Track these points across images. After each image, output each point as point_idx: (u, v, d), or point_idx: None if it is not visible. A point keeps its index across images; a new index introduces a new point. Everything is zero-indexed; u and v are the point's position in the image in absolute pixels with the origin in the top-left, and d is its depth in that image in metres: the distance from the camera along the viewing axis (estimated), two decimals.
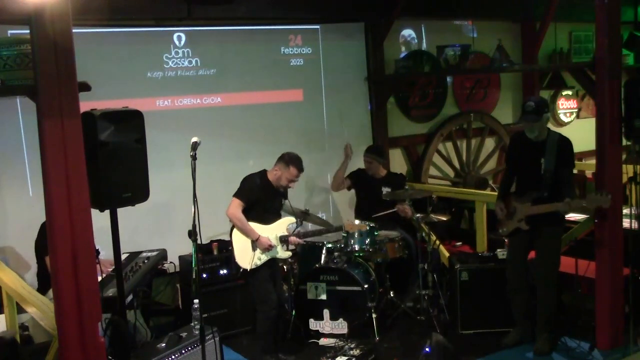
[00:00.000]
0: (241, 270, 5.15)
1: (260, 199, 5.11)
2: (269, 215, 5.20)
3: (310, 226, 6.13)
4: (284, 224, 5.28)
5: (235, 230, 5.14)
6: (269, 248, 5.09)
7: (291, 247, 5.43)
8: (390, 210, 6.26)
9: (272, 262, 5.27)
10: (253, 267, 5.08)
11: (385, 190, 6.39)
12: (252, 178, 5.18)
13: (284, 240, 5.24)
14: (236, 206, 5.06)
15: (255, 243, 5.08)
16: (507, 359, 5.19)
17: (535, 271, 5.22)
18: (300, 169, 5.20)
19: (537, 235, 5.08)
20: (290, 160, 5.17)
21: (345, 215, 7.05)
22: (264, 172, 5.23)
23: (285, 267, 5.74)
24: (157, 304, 6.02)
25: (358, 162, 6.79)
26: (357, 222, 5.87)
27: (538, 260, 5.17)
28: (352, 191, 6.79)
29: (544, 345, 5.13)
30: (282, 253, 5.27)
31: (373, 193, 6.42)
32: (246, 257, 5.09)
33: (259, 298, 5.16)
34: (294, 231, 5.34)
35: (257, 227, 5.11)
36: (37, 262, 5.27)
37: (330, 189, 7.02)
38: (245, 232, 5.08)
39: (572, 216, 6.13)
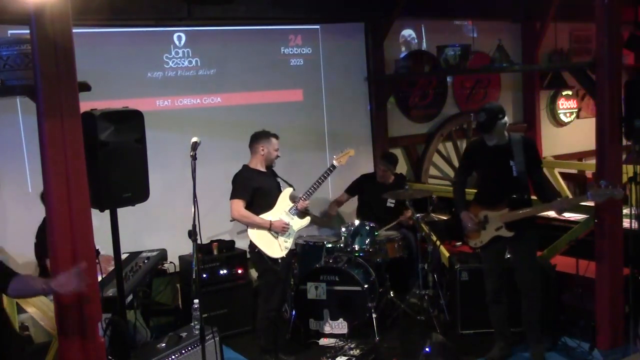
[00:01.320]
0: (279, 260, 5.07)
1: (256, 188, 5.10)
2: (271, 199, 5.19)
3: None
4: (285, 198, 5.26)
5: (249, 230, 5.12)
6: (286, 227, 5.11)
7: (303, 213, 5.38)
8: (394, 223, 6.24)
9: (289, 262, 5.32)
10: (286, 251, 5.10)
11: (390, 202, 6.39)
12: (240, 174, 5.19)
13: (294, 211, 5.24)
14: (238, 206, 5.06)
15: (272, 230, 5.08)
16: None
17: (519, 276, 5.00)
18: (277, 137, 5.27)
19: (517, 240, 4.91)
20: (267, 134, 5.22)
21: (344, 215, 7.05)
22: (245, 166, 5.24)
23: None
24: (157, 304, 6.02)
25: (358, 166, 6.78)
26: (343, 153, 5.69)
27: (522, 265, 4.97)
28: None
29: (538, 355, 4.99)
30: (301, 223, 5.28)
31: (379, 200, 6.40)
32: (274, 247, 5.08)
33: (263, 295, 5.16)
34: (296, 198, 5.30)
35: (265, 216, 5.11)
36: (38, 264, 5.27)
37: (329, 194, 7.02)
38: (258, 226, 5.08)
39: (572, 216, 6.13)
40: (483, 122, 4.84)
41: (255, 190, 5.10)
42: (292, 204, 5.25)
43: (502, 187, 4.91)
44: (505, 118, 4.89)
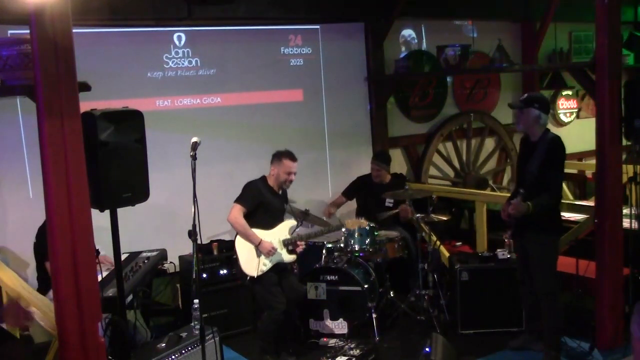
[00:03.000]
0: (247, 278, 5.08)
1: (262, 202, 5.10)
2: (272, 220, 5.19)
3: (311, 227, 6.11)
4: (285, 228, 5.27)
5: (238, 238, 5.12)
6: (272, 251, 5.07)
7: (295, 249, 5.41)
8: (394, 211, 6.26)
9: (277, 266, 5.27)
10: (259, 273, 5.04)
11: (388, 201, 6.39)
12: (254, 183, 5.19)
13: (287, 243, 5.23)
14: (237, 212, 5.05)
15: (258, 248, 5.07)
16: (507, 359, 5.19)
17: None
18: (292, 159, 5.19)
19: (527, 241, 4.94)
20: (281, 154, 5.19)
21: (344, 214, 7.04)
22: (263, 177, 5.25)
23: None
24: (157, 304, 6.02)
25: (359, 166, 6.77)
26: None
27: (532, 268, 4.96)
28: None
29: None
30: (286, 257, 5.23)
31: (377, 199, 6.40)
32: (252, 263, 5.06)
33: (265, 304, 5.10)
34: (293, 232, 5.33)
35: (259, 233, 5.10)
36: (37, 265, 5.27)
37: (329, 195, 7.02)
38: (247, 238, 5.06)
39: (572, 216, 6.14)
40: (520, 99, 4.93)
41: (260, 205, 5.10)
42: (288, 236, 5.24)
43: (519, 184, 4.99)
44: (542, 114, 4.81)
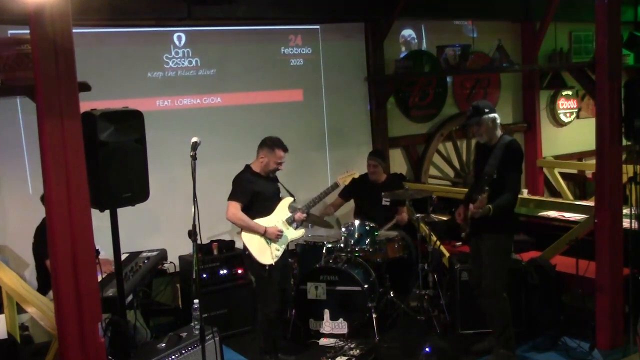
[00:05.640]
0: (266, 268, 5.08)
1: (256, 191, 5.10)
2: (269, 204, 5.20)
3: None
4: (284, 207, 5.28)
5: (243, 233, 5.12)
6: (279, 235, 5.10)
7: (299, 225, 5.41)
8: (391, 223, 6.26)
9: (285, 265, 5.30)
10: (275, 259, 5.08)
11: (385, 201, 6.40)
12: (241, 176, 5.18)
13: (290, 221, 5.25)
14: (234, 208, 5.05)
15: (266, 236, 5.09)
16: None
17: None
18: (284, 149, 5.19)
19: (481, 242, 4.98)
20: (273, 143, 5.17)
21: (344, 215, 7.04)
22: (248, 167, 5.23)
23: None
24: (157, 304, 6.02)
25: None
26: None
27: (483, 269, 4.99)
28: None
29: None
30: (295, 234, 5.29)
31: (374, 199, 6.39)
32: (265, 253, 5.08)
33: (261, 298, 5.16)
34: (292, 207, 5.34)
35: (261, 221, 5.11)
36: (36, 265, 5.27)
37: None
38: (252, 230, 5.08)
39: (572, 216, 6.14)
40: (470, 113, 4.93)
41: (255, 194, 5.10)
42: (289, 214, 5.26)
43: (475, 187, 4.96)
44: (494, 114, 4.88)
